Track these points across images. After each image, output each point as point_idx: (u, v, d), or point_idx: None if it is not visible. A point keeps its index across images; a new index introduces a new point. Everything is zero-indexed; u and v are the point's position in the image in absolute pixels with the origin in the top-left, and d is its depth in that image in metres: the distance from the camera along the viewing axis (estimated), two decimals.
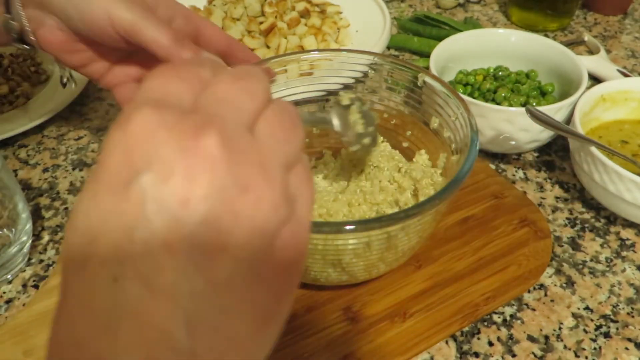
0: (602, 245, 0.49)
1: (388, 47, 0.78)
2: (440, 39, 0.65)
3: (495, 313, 0.44)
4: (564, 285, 0.46)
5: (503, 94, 0.58)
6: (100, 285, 0.17)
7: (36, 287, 0.46)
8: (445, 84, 0.44)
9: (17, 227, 0.46)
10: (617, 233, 0.51)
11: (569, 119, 0.54)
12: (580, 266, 0.47)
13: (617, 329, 0.43)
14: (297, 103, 0.49)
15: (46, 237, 0.51)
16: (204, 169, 0.17)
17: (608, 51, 0.78)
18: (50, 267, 0.48)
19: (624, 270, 0.47)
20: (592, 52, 0.77)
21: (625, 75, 0.68)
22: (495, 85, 0.59)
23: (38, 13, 0.44)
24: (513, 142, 0.55)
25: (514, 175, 0.57)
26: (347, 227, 0.33)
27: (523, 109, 0.51)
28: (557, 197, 0.54)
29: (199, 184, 0.17)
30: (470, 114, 0.41)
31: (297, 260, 0.20)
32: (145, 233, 0.17)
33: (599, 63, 0.70)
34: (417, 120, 0.47)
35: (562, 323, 0.43)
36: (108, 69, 0.48)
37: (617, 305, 0.44)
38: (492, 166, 0.58)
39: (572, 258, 0.48)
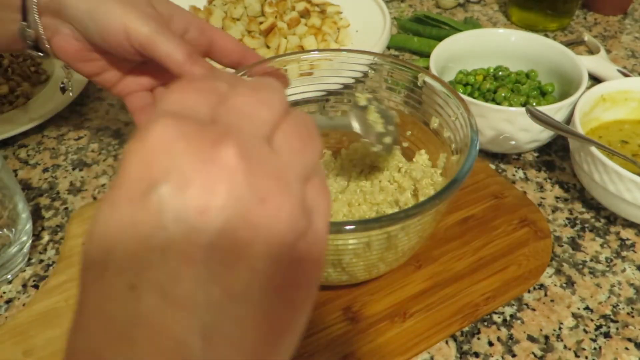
0: (602, 245, 0.49)
1: (388, 47, 0.78)
2: (440, 39, 0.65)
3: (495, 313, 0.44)
4: (564, 285, 0.46)
5: (503, 94, 0.58)
6: (117, 294, 0.17)
7: (36, 287, 0.46)
8: (445, 84, 0.44)
9: (17, 227, 0.46)
10: (617, 233, 0.51)
11: (569, 119, 0.54)
12: (580, 266, 0.47)
13: (617, 329, 0.43)
14: (297, 103, 0.49)
15: (46, 237, 0.51)
16: (222, 179, 0.17)
17: (608, 51, 0.78)
18: (50, 267, 0.48)
19: (624, 270, 0.47)
20: (592, 52, 0.77)
21: (625, 75, 0.68)
22: (495, 85, 0.59)
23: (54, 21, 0.44)
24: (513, 142, 0.55)
25: (514, 175, 0.57)
26: (347, 227, 0.33)
27: (523, 109, 0.51)
28: (557, 197, 0.54)
29: (216, 194, 0.17)
30: (470, 114, 0.41)
31: (314, 272, 0.20)
32: (163, 242, 0.17)
33: (599, 63, 0.70)
34: (417, 120, 0.48)
35: (562, 323, 0.43)
36: (120, 78, 0.48)
37: (617, 305, 0.44)
38: (492, 166, 0.58)
39: (572, 258, 0.48)
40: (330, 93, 0.50)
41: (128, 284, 0.16)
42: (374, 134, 0.40)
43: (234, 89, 0.20)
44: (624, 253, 0.49)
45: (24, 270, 0.47)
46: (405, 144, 0.50)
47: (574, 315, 0.44)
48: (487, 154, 0.59)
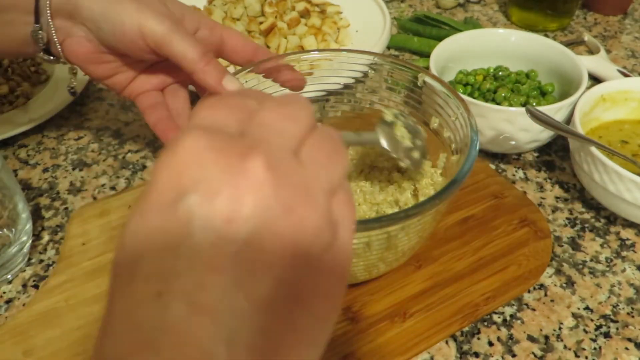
0: (602, 245, 0.49)
1: (388, 47, 0.78)
2: (440, 39, 0.65)
3: (495, 313, 0.44)
4: (564, 285, 0.46)
5: (503, 94, 0.58)
6: (144, 301, 0.17)
7: (36, 287, 0.46)
8: (445, 84, 0.44)
9: (17, 227, 0.46)
10: (617, 233, 0.51)
11: (569, 119, 0.54)
12: (580, 266, 0.47)
13: (617, 329, 0.43)
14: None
15: (46, 237, 0.51)
16: (250, 190, 0.18)
17: (608, 51, 0.78)
18: (50, 267, 0.48)
19: (624, 270, 0.47)
20: (592, 52, 0.77)
21: (625, 75, 0.68)
22: (495, 85, 0.59)
23: (67, 24, 0.44)
24: (513, 142, 0.55)
25: (514, 175, 0.57)
26: None
27: (523, 109, 0.51)
28: (557, 197, 0.54)
29: (244, 204, 0.17)
30: (470, 114, 0.41)
31: (338, 285, 0.21)
32: (190, 250, 0.17)
33: (599, 63, 0.70)
34: (417, 120, 0.47)
35: (562, 323, 0.43)
36: (131, 80, 0.48)
37: (617, 305, 0.44)
38: (492, 166, 0.58)
39: (572, 258, 0.48)
40: (330, 93, 0.50)
41: (155, 291, 0.17)
42: (402, 149, 0.40)
43: (263, 105, 0.21)
44: (624, 253, 0.49)
45: (24, 270, 0.48)
46: None
47: (574, 315, 0.44)
48: (487, 154, 0.59)
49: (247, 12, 0.72)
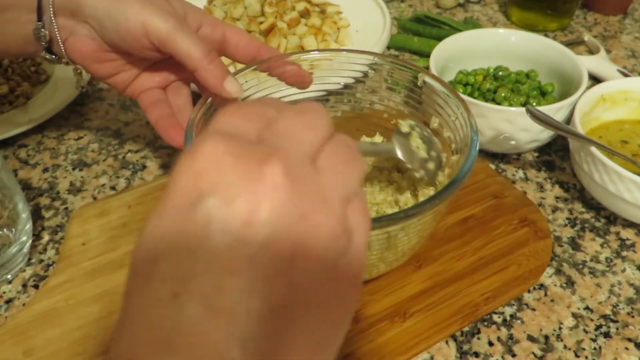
0: (602, 245, 0.49)
1: (388, 47, 0.78)
2: (440, 39, 0.64)
3: (495, 313, 0.44)
4: (564, 285, 0.46)
5: (503, 94, 0.58)
6: (161, 301, 0.17)
7: (36, 287, 0.46)
8: (445, 84, 0.44)
9: (17, 227, 0.46)
10: (617, 233, 0.51)
11: (569, 119, 0.54)
12: (580, 266, 0.47)
13: (617, 329, 0.43)
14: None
15: (46, 237, 0.51)
16: (267, 195, 0.18)
17: (608, 51, 0.78)
18: (50, 267, 0.48)
19: (624, 270, 0.47)
20: (592, 52, 0.77)
21: (625, 75, 0.68)
22: (495, 85, 0.59)
23: (70, 22, 0.44)
24: (513, 142, 0.55)
25: (514, 175, 0.57)
26: None
27: (523, 109, 0.51)
28: (557, 197, 0.54)
29: (262, 209, 0.18)
30: (470, 114, 0.41)
31: (352, 292, 0.21)
32: (208, 253, 0.17)
33: (599, 63, 0.70)
34: (417, 120, 0.47)
35: (562, 323, 0.43)
36: (134, 78, 0.48)
37: (617, 305, 0.44)
38: (492, 166, 0.58)
39: (572, 258, 0.48)
40: (330, 93, 0.50)
41: (172, 292, 0.17)
42: (417, 160, 0.40)
43: (281, 113, 0.21)
44: (624, 253, 0.49)
45: (24, 270, 0.48)
46: None
47: (574, 315, 0.44)
48: (487, 154, 0.59)
49: (247, 12, 0.72)
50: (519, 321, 0.43)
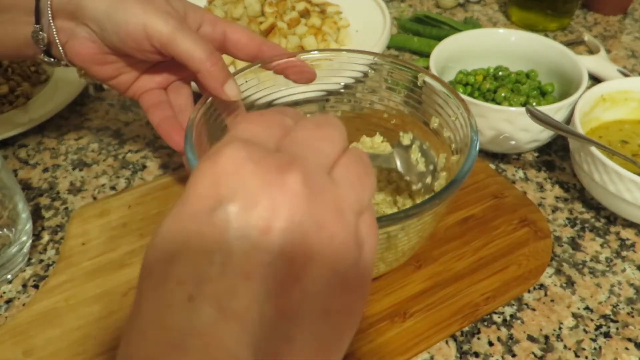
0: (602, 245, 0.49)
1: (388, 47, 0.78)
2: (440, 39, 0.64)
3: (495, 313, 0.44)
4: (564, 285, 0.46)
5: (503, 94, 0.58)
6: (175, 303, 0.17)
7: (36, 287, 0.46)
8: (445, 84, 0.44)
9: (17, 227, 0.46)
10: (617, 233, 0.51)
11: (569, 119, 0.54)
12: (580, 266, 0.47)
13: (617, 329, 0.43)
14: (297, 103, 0.49)
15: (46, 237, 0.51)
16: (286, 203, 0.18)
17: (608, 51, 0.78)
18: (50, 267, 0.48)
19: (624, 270, 0.47)
20: (592, 52, 0.77)
21: (625, 75, 0.68)
22: (495, 85, 0.59)
23: (69, 24, 0.43)
24: (513, 142, 0.55)
25: (514, 175, 0.57)
26: None
27: (523, 109, 0.51)
28: (557, 197, 0.54)
29: (280, 216, 0.18)
30: (470, 114, 0.41)
31: (359, 302, 0.21)
32: (225, 257, 0.17)
33: (599, 63, 0.70)
34: (417, 120, 0.47)
35: (562, 323, 0.43)
36: (135, 80, 0.48)
37: (617, 305, 0.44)
38: (492, 166, 0.58)
39: (572, 258, 0.48)
40: (330, 93, 0.50)
41: (187, 294, 0.17)
42: (415, 173, 0.41)
43: (299, 124, 0.22)
44: (624, 253, 0.49)
45: (24, 270, 0.48)
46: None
47: (574, 315, 0.44)
48: (487, 154, 0.59)
49: (247, 12, 0.72)
50: (519, 321, 0.43)
